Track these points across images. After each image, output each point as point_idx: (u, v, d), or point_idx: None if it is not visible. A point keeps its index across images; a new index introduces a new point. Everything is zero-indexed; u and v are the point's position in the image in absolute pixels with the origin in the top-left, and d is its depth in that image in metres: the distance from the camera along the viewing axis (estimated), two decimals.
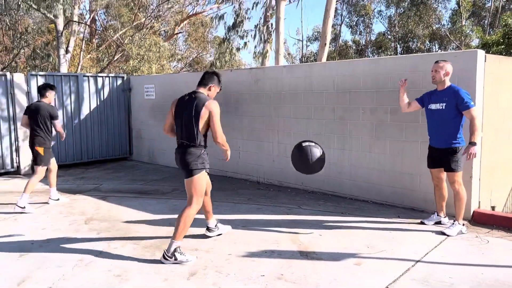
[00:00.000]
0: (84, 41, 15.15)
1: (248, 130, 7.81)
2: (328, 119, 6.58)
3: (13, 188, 7.42)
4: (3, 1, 11.95)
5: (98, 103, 10.10)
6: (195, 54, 28.50)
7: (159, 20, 14.97)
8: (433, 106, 4.72)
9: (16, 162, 8.88)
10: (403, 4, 33.42)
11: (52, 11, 11.84)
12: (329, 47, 36.58)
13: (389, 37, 36.36)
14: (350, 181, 6.40)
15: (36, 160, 6.07)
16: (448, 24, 32.77)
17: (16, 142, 8.83)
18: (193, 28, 26.51)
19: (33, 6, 12.08)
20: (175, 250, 3.93)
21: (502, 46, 12.66)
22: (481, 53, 5.13)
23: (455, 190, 4.66)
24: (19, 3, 11.63)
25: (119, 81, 10.50)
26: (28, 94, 8.96)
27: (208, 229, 4.71)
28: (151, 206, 6.13)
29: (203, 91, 4.20)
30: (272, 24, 9.68)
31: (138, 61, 14.49)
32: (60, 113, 9.47)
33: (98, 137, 10.15)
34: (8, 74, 8.81)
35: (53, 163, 6.40)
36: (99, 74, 10.59)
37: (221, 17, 9.50)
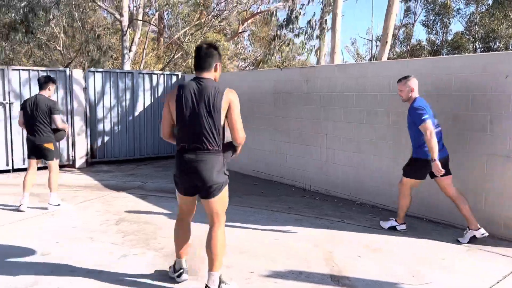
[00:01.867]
0: (147, 39, 15.48)
1: (295, 133, 7.35)
2: (381, 124, 5.95)
3: (66, 182, 7.58)
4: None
5: (153, 100, 10.15)
6: (259, 53, 28.36)
7: (220, 18, 14.91)
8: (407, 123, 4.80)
9: (72, 156, 9.14)
10: (486, 1, 30.90)
11: (118, 10, 12.16)
12: (400, 46, 34.80)
13: (467, 37, 33.82)
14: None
15: (47, 156, 5.74)
16: None
17: (72, 137, 9.08)
18: (257, 27, 26.36)
19: (100, 4, 12.48)
20: (220, 281, 3.28)
21: None
22: None
23: (448, 193, 4.66)
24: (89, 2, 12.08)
25: (174, 79, 10.50)
26: (85, 89, 9.19)
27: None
28: None
29: (208, 75, 3.19)
30: (326, 21, 9.12)
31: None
32: (115, 109, 9.64)
33: (151, 134, 10.21)
34: (67, 70, 9.08)
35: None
36: (154, 72, 10.67)
37: (273, 14, 9.10)
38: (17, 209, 5.65)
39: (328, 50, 9.79)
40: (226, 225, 3.41)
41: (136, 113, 9.94)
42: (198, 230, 4.29)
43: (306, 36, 9.04)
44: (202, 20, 14.35)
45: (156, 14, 16.79)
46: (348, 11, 57.32)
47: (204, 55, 3.17)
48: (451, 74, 5.12)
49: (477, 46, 33.24)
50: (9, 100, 8.36)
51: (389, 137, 5.86)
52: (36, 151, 5.71)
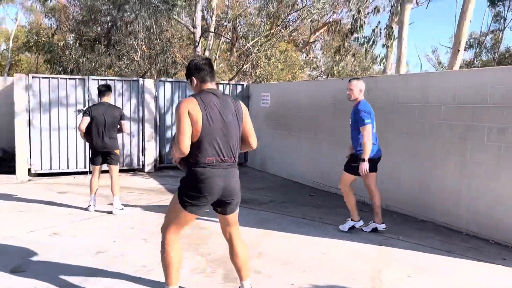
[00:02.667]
0: (219, 50, 16.00)
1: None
2: (445, 137, 5.59)
3: (134, 185, 8.04)
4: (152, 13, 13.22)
5: None
6: (331, 62, 28.04)
7: (291, 28, 15.01)
8: (350, 121, 5.17)
9: (142, 161, 9.68)
10: None
11: (191, 22, 12.73)
12: (487, 55, 32.44)
13: None
14: (467, 214, 5.32)
15: (114, 161, 6.02)
16: None
17: (143, 142, 9.62)
18: (330, 36, 26.10)
19: (175, 17, 13.15)
20: None
21: None
22: None
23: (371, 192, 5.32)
24: (168, 17, 12.78)
25: (239, 89, 10.73)
26: (155, 98, 9.71)
27: None
28: (240, 217, 5.94)
29: (213, 86, 3.11)
30: (393, 29, 8.76)
31: (264, 69, 14.72)
32: None
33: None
34: (140, 80, 9.66)
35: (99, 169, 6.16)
36: (221, 82, 10.98)
37: (339, 23, 8.97)
38: (86, 209, 6.10)
39: (394, 58, 9.44)
40: (278, 235, 3.47)
41: None
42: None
43: (369, 45, 8.79)
44: (272, 31, 14.53)
45: (229, 25, 17.32)
46: (428, 19, 54.83)
47: (211, 67, 3.11)
48: None
49: None
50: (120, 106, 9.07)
51: (455, 152, 5.48)
52: (104, 156, 6.03)
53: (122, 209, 6.09)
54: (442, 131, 5.64)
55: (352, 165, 5.15)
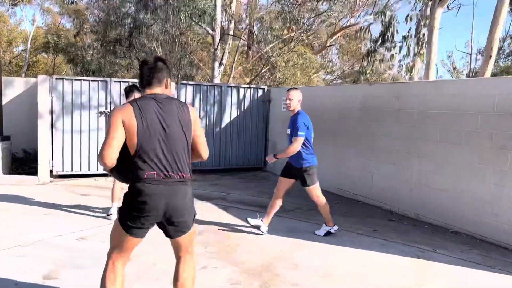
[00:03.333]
0: (237, 53, 15.93)
1: (384, 152, 6.97)
2: (483, 146, 5.41)
3: None
4: (171, 17, 13.20)
5: (239, 113, 10.35)
6: (346, 67, 27.84)
7: (309, 32, 14.91)
8: (288, 131, 5.28)
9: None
10: None
11: (206, 25, 12.69)
12: (505, 61, 31.98)
13: None
14: (508, 227, 5.12)
15: None
16: None
17: None
18: (347, 41, 25.93)
19: (195, 20, 13.11)
20: None
21: None
22: None
23: (317, 201, 5.35)
24: (184, 21, 12.78)
25: (260, 93, 10.61)
26: None
27: None
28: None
29: (160, 90, 2.76)
30: (424, 35, 8.58)
31: (283, 73, 14.60)
32: (204, 120, 9.99)
33: (236, 146, 10.40)
34: None
35: None
36: (242, 85, 10.89)
37: (367, 29, 8.81)
38: (106, 217, 5.97)
39: (422, 65, 9.25)
40: (311, 244, 3.32)
41: (223, 125, 10.19)
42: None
43: (400, 52, 8.64)
44: (292, 34, 14.43)
45: (247, 28, 17.26)
46: (445, 23, 54.26)
47: (158, 69, 2.73)
48: None
49: None
50: (111, 109, 9.02)
51: (493, 161, 5.29)
52: None
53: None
54: (480, 139, 5.45)
55: (307, 177, 5.28)
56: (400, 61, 10.01)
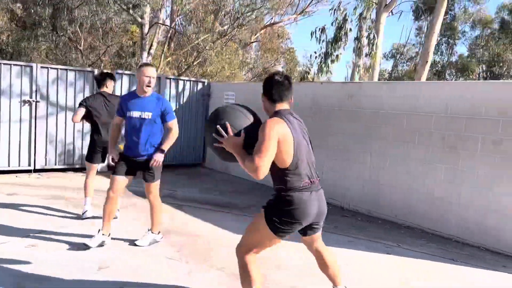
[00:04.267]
0: (166, 44, 15.31)
1: (335, 149, 7.15)
2: (436, 146, 5.77)
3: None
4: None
5: (177, 107, 9.91)
6: (267, 65, 28.30)
7: (243, 28, 14.76)
8: (135, 114, 4.29)
9: None
10: (492, 26, 31.16)
11: (139, 12, 12.00)
12: (404, 66, 34.90)
13: (471, 60, 33.98)
14: (458, 221, 5.52)
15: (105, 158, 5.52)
16: None
17: None
18: (268, 38, 26.35)
19: (123, 6, 12.29)
20: None
21: None
22: None
23: (152, 202, 4.52)
24: (111, 3, 11.90)
25: (200, 86, 10.28)
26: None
27: None
28: (229, 223, 5.64)
29: (288, 106, 3.12)
30: (374, 37, 8.97)
31: (213, 67, 14.35)
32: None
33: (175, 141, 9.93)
34: (96, 71, 8.84)
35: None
36: (181, 78, 10.44)
37: (323, 30, 8.97)
38: (80, 217, 5.35)
39: (356, 66, 9.69)
40: (284, 243, 3.28)
41: None
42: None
43: (357, 55, 8.93)
44: (224, 28, 14.21)
45: (177, 18, 16.66)
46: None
47: (288, 88, 2.98)
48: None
49: (481, 70, 33.47)
50: (35, 99, 8.08)
51: (445, 160, 5.67)
52: (103, 152, 5.39)
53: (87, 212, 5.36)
54: (432, 139, 5.81)
55: (156, 170, 4.45)
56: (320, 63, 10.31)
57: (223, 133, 2.77)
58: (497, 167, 5.12)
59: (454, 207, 5.56)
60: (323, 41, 8.96)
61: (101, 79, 5.47)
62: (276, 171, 2.82)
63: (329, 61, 9.02)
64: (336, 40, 8.56)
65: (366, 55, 8.91)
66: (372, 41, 8.67)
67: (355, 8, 9.32)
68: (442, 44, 35.69)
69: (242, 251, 2.96)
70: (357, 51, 9.01)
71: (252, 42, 24.21)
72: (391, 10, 10.04)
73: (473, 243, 5.34)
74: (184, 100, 10.00)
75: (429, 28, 8.38)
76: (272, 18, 23.69)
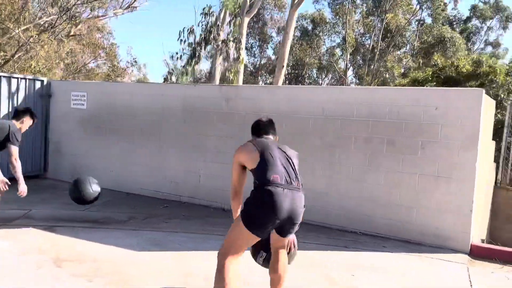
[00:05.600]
0: None
1: (213, 152, 7.12)
2: (315, 145, 6.32)
3: None
4: None
5: (10, 109, 8.33)
6: (88, 61, 26.10)
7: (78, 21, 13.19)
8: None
9: None
10: (295, 34, 35.39)
11: None
12: (222, 66, 36.79)
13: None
14: (337, 212, 6.17)
15: None
16: (328, 56, 35.29)
17: None
18: (87, 32, 24.33)
19: None
20: None
21: (433, 83, 14.00)
22: (481, 92, 5.39)
23: None
24: None
25: (38, 85, 8.86)
26: None
27: None
28: (123, 240, 5.10)
29: (273, 138, 3.89)
30: (240, 41, 9.12)
31: (38, 61, 12.56)
32: None
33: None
34: None
35: None
36: (14, 75, 8.82)
37: (191, 31, 8.64)
38: None
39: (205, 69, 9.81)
40: (195, 255, 3.31)
41: None
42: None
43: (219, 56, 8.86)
44: (49, 19, 12.49)
45: None
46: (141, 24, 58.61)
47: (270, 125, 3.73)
48: (385, 104, 5.85)
49: (287, 72, 37.77)
50: None
51: (324, 158, 6.26)
52: None
53: None
54: (310, 140, 6.34)
55: None
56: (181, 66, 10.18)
57: None
58: (368, 161, 5.93)
59: (333, 199, 6.20)
60: (184, 41, 8.79)
61: (22, 112, 4.94)
62: (252, 171, 3.21)
63: (193, 62, 8.89)
64: (205, 42, 8.50)
65: (234, 60, 9.10)
66: (238, 46, 8.93)
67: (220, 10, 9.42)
68: (255, 47, 38.88)
69: (221, 252, 3.05)
70: (225, 54, 9.13)
71: (73, 35, 21.93)
72: (254, 15, 10.50)
73: (352, 229, 6.06)
74: (19, 101, 8.48)
75: (284, 37, 9.10)
76: (91, 12, 21.90)
